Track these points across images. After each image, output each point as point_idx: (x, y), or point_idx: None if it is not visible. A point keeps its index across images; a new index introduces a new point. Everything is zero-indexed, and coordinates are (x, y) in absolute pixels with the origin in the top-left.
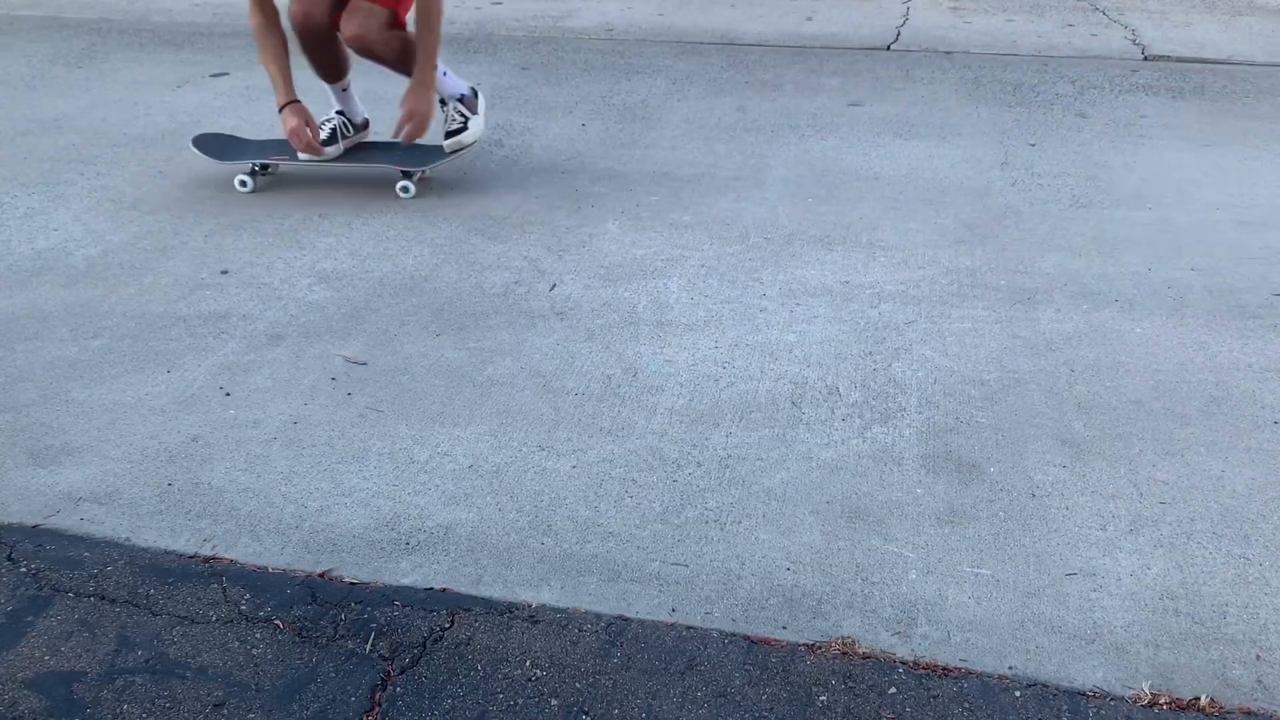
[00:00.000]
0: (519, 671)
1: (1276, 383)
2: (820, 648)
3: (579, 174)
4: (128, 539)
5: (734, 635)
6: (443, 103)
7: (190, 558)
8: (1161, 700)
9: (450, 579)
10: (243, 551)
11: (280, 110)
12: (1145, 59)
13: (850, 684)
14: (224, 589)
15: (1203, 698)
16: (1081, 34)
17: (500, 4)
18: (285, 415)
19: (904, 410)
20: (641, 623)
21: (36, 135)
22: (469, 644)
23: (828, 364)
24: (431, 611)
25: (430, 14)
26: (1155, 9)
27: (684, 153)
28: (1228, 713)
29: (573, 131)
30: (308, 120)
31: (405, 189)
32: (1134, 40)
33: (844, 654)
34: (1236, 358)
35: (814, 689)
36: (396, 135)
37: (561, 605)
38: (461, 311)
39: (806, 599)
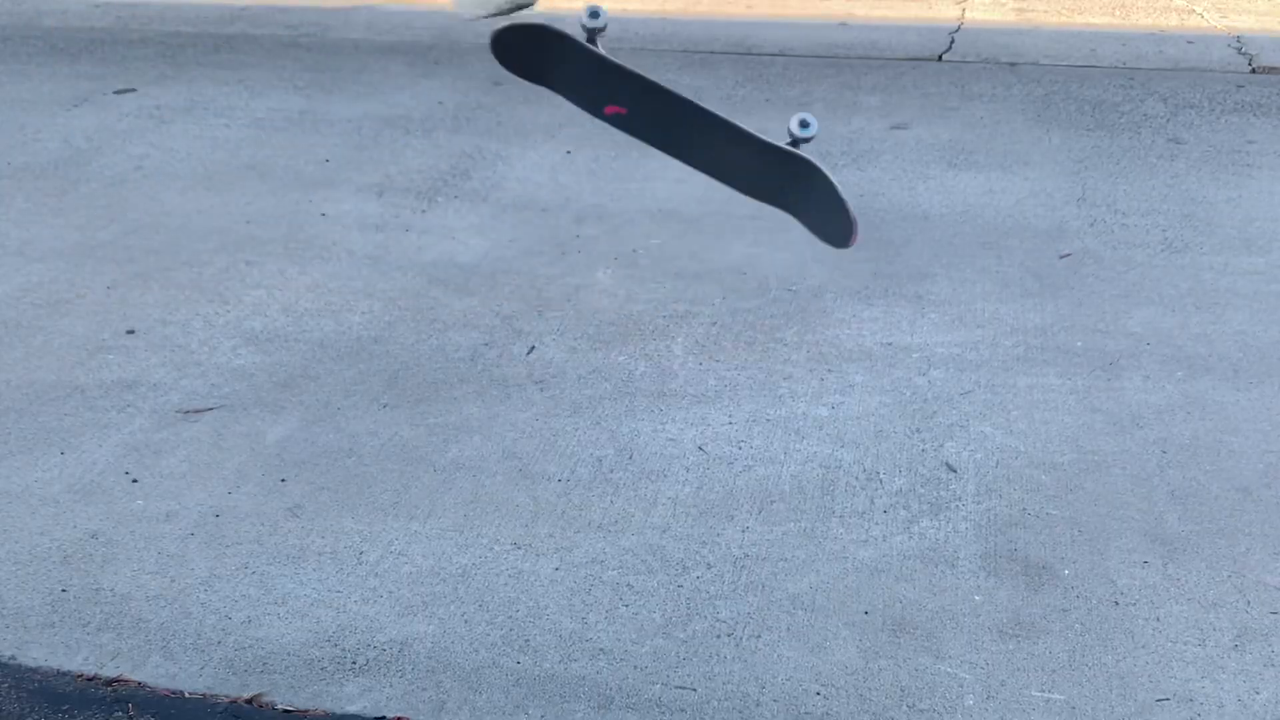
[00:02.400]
0: None
1: None
2: None
3: (562, 212)
4: (13, 657)
5: None
6: None
7: (90, 679)
8: None
9: (406, 706)
10: (153, 672)
11: None
12: (1253, 71)
13: None
14: (130, 719)
15: None
16: (1175, 41)
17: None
18: (205, 506)
19: (959, 500)
20: None
21: None
22: None
23: (866, 444)
24: None
25: None
26: (1265, 9)
27: (691, 186)
28: None
29: (555, 160)
30: None
31: None
32: (1239, 49)
33: None
34: None
35: None
36: None
37: None
38: (420, 380)
39: None
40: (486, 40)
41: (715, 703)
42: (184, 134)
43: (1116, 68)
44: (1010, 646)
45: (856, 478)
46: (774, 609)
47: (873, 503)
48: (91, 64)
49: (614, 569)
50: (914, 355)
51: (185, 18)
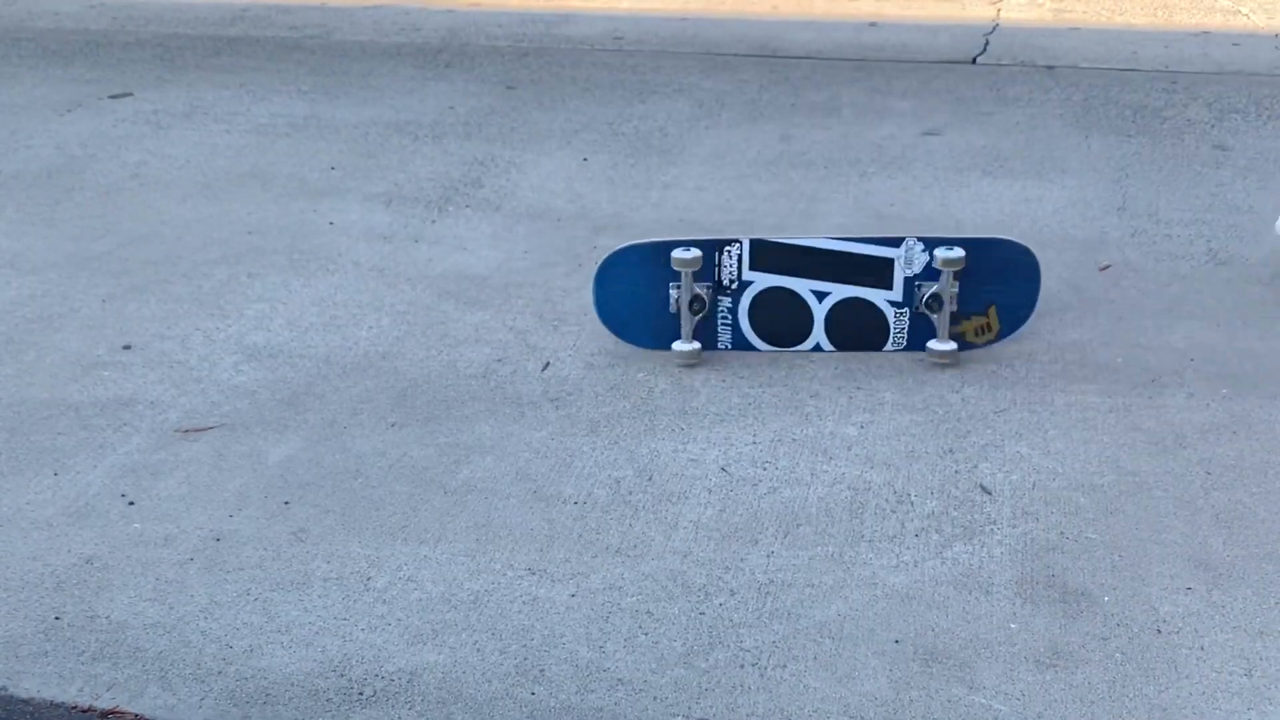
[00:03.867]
0: None
1: None
2: None
3: (579, 222)
4: (3, 688)
5: None
6: None
7: (84, 711)
8: None
9: None
10: (151, 703)
11: None
12: None
13: None
14: None
15: None
16: (1220, 43)
17: (478, 4)
18: (205, 530)
19: (994, 524)
20: None
21: None
22: None
23: (896, 464)
24: None
25: None
26: None
27: (712, 194)
28: None
29: (571, 168)
30: None
31: None
32: None
33: None
34: None
35: None
36: None
37: None
38: (430, 398)
39: None
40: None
41: None
42: (183, 140)
43: (1159, 71)
44: (1047, 677)
45: (886, 500)
46: (800, 637)
47: (904, 526)
48: (86, 67)
49: (633, 595)
50: (946, 372)
51: (184, 19)
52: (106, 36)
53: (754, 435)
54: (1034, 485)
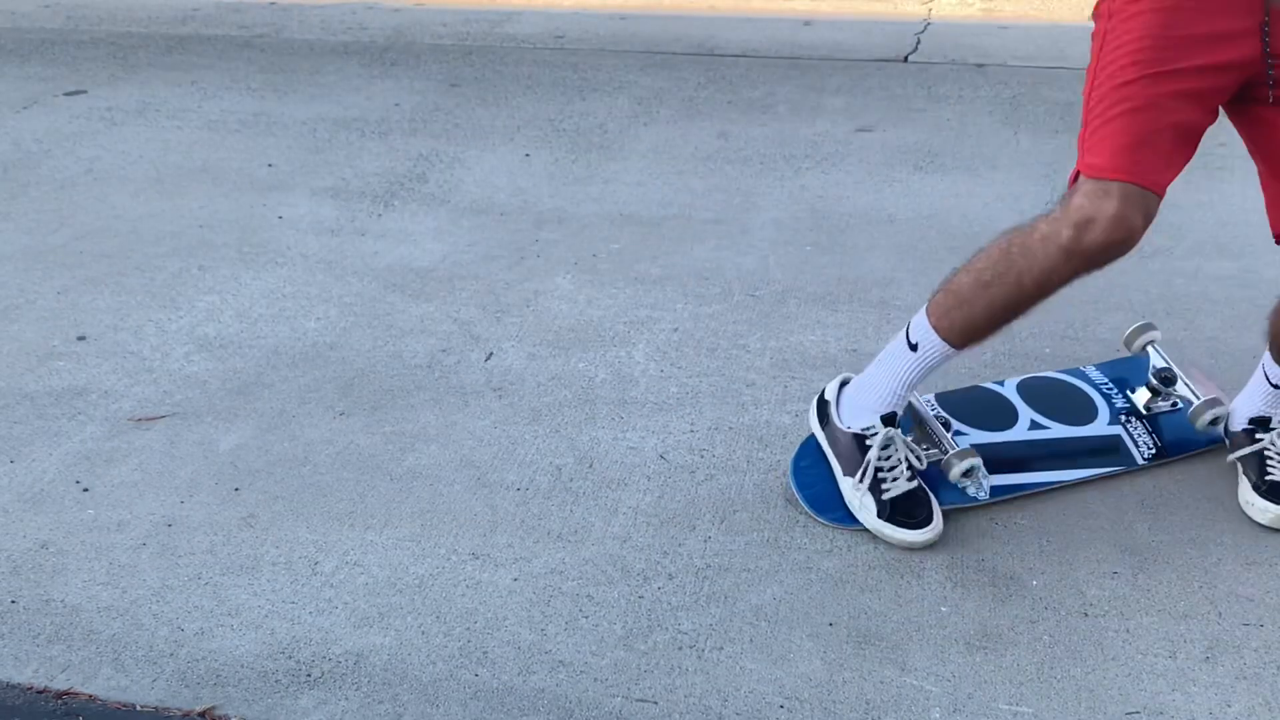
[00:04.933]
0: None
1: None
2: None
3: (521, 216)
4: None
5: None
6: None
7: (39, 692)
8: None
9: (362, 719)
10: (104, 685)
11: None
12: None
13: None
14: None
15: None
16: None
17: (423, 4)
18: (157, 516)
19: None
20: None
21: None
22: None
23: None
24: None
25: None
26: None
27: (652, 190)
28: None
29: (514, 163)
30: None
31: None
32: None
33: None
34: None
35: None
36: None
37: None
38: (376, 387)
39: None
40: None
41: (677, 716)
42: (135, 136)
43: (1084, 68)
44: (977, 659)
45: None
46: (737, 620)
47: None
48: (41, 65)
49: (574, 579)
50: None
51: (136, 18)
52: (61, 35)
53: (691, 424)
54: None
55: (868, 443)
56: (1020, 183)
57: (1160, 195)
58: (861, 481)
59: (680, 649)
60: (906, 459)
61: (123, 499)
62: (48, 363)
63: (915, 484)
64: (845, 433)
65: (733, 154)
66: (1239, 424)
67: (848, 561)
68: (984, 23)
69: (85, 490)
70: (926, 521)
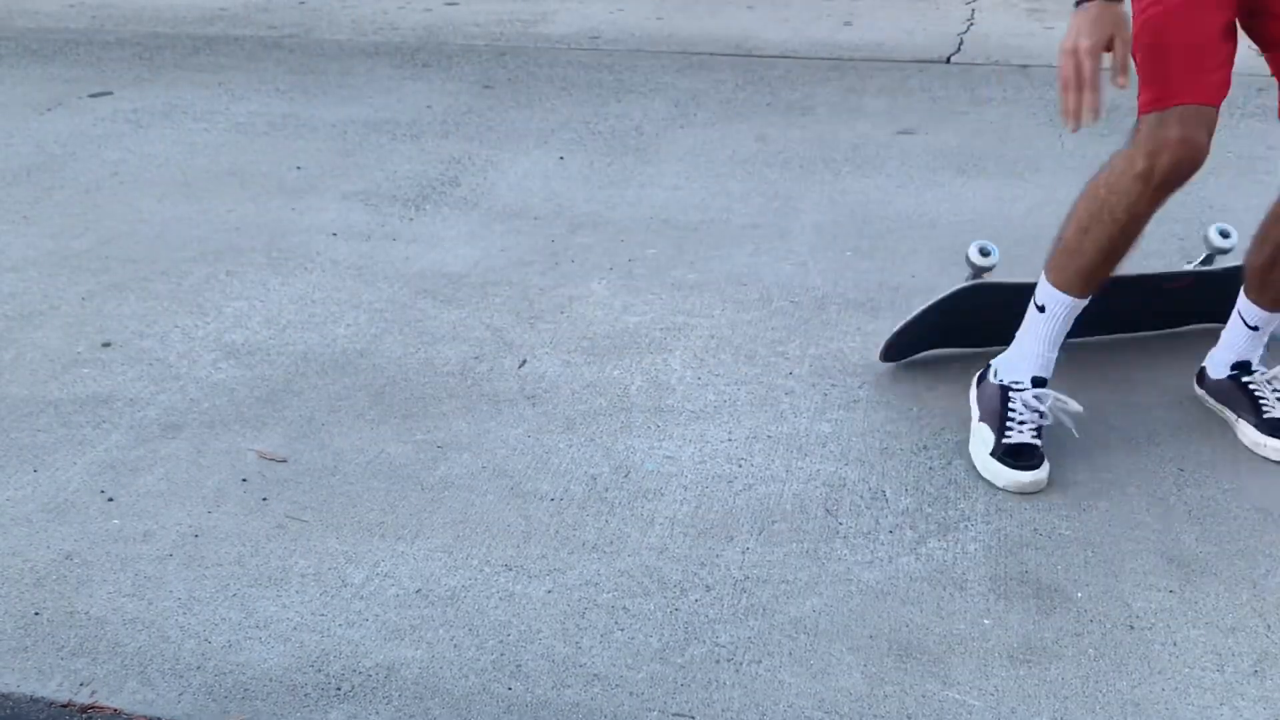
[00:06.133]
0: None
1: None
2: None
3: (555, 220)
4: None
5: None
6: None
7: (63, 706)
8: None
9: None
10: (130, 699)
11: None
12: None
13: None
14: None
15: None
16: None
17: (455, 4)
18: (183, 526)
19: (968, 520)
20: None
21: None
22: None
23: (871, 461)
24: None
25: None
26: None
27: (689, 193)
28: None
29: (548, 166)
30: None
31: None
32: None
33: None
34: None
35: None
36: None
37: None
38: (407, 395)
39: None
40: (475, 42)
41: None
42: (162, 139)
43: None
44: (1021, 672)
45: (861, 496)
46: (775, 633)
47: (878, 523)
48: (65, 66)
49: (609, 591)
50: (920, 370)
51: (163, 18)
52: (86, 35)
53: (729, 432)
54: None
55: (1010, 394)
56: (1065, 186)
57: (1215, 104)
58: (988, 422)
59: (718, 662)
60: (1038, 416)
61: (148, 509)
62: (72, 370)
63: (1038, 441)
64: (994, 385)
65: (771, 157)
66: (1220, 372)
67: (889, 573)
68: (1028, 24)
69: (110, 500)
70: (1035, 467)
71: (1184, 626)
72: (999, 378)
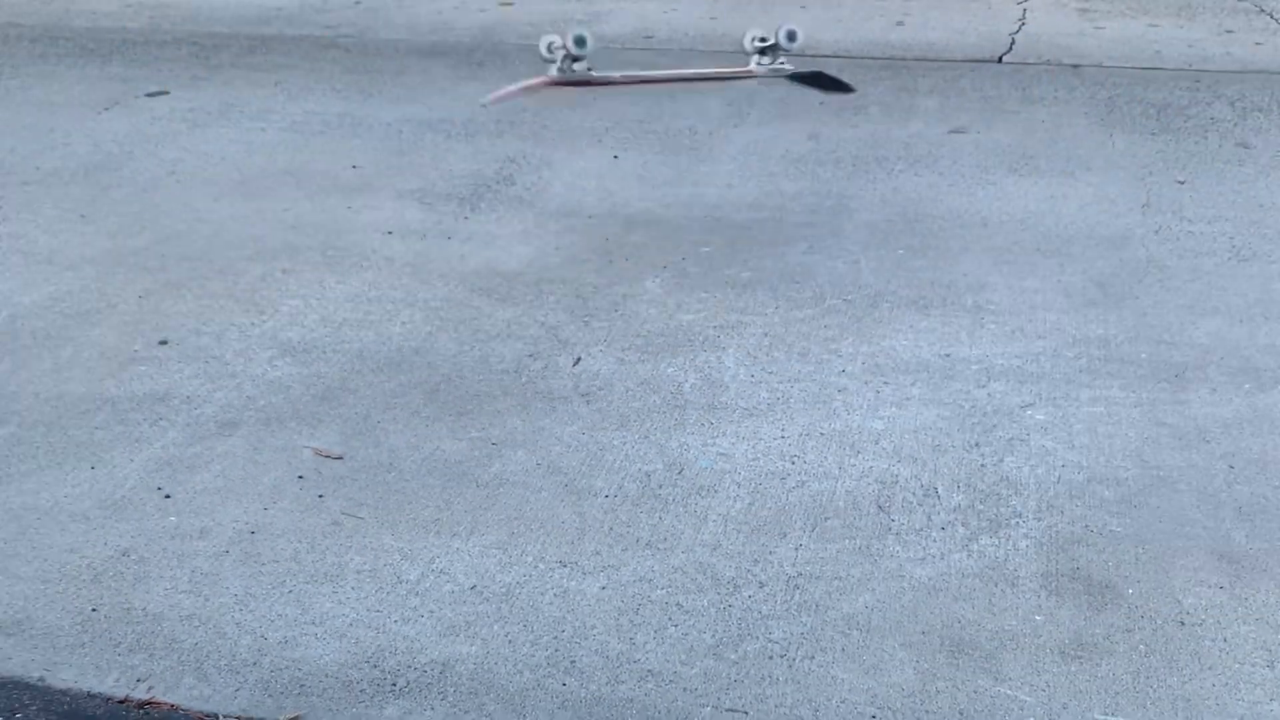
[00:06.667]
0: None
1: None
2: None
3: (610, 219)
4: (41, 678)
5: None
6: None
7: (120, 702)
8: None
9: None
10: (186, 694)
11: None
12: None
13: None
14: None
15: None
16: (1243, 42)
17: (511, 4)
18: (240, 523)
19: (1019, 517)
20: None
21: None
22: None
23: (923, 458)
24: None
25: None
26: None
27: (742, 192)
28: None
29: (602, 165)
30: None
31: None
32: None
33: None
34: None
35: None
36: None
37: None
38: (462, 392)
39: None
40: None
41: None
42: (218, 138)
43: (1182, 69)
44: (1072, 668)
45: (914, 493)
46: (828, 629)
47: (930, 519)
48: (122, 65)
49: (663, 588)
50: (973, 367)
51: (219, 18)
52: (143, 35)
53: (782, 429)
54: (1059, 479)
55: None
56: (1116, 185)
57: None
58: None
59: (771, 658)
60: None
61: (205, 505)
62: (129, 367)
63: None
64: None
65: (824, 156)
66: None
67: (941, 570)
68: (1080, 24)
69: (167, 497)
70: None
71: (1234, 623)
72: None
